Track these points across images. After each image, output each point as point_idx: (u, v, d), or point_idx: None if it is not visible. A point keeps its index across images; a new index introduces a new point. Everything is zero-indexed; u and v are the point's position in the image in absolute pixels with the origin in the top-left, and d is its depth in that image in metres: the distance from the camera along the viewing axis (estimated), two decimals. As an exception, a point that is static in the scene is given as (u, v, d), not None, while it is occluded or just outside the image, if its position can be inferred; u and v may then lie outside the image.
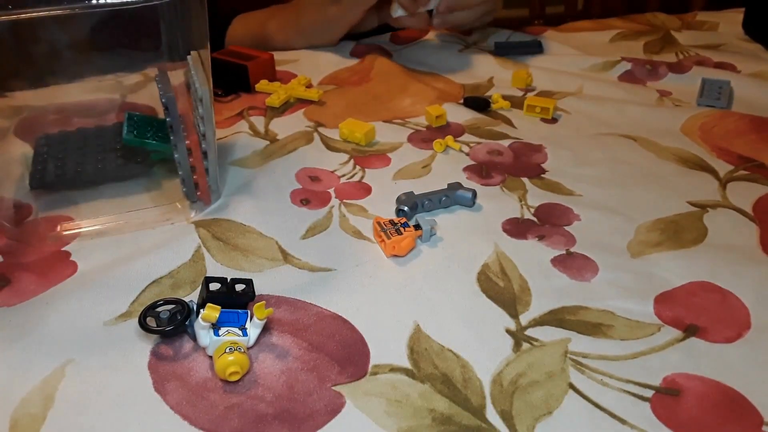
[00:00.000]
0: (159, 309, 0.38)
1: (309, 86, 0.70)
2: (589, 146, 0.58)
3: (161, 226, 0.47)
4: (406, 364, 0.36)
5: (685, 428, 0.32)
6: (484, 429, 0.32)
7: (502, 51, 0.79)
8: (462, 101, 0.66)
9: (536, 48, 0.79)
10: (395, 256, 0.44)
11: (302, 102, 0.67)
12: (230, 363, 0.34)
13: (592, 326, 0.38)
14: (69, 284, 0.42)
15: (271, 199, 0.50)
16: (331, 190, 0.52)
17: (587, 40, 0.83)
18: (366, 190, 0.52)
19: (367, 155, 0.57)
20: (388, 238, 0.44)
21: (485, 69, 0.75)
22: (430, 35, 0.84)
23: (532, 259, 0.44)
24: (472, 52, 0.79)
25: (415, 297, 0.41)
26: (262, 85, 0.68)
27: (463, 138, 0.60)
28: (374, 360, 0.36)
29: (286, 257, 0.44)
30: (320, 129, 0.61)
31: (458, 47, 0.80)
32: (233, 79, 0.69)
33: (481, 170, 0.54)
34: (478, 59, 0.77)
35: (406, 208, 0.47)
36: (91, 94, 0.57)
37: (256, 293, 0.40)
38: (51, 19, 0.39)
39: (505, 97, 0.66)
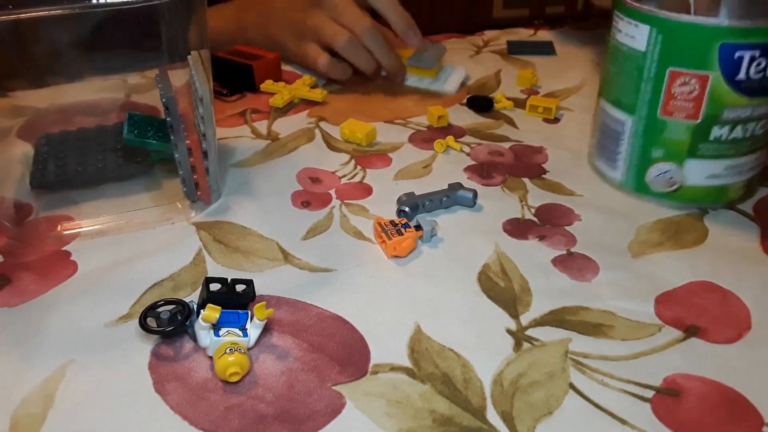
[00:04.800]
0: (159, 309, 0.38)
1: (314, 87, 0.70)
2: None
3: (162, 225, 0.47)
4: (407, 363, 0.36)
5: (686, 429, 0.32)
6: (484, 430, 0.32)
7: (514, 49, 0.80)
8: (465, 101, 0.67)
9: (548, 49, 0.80)
10: (396, 256, 0.44)
11: (306, 102, 0.67)
12: (230, 363, 0.34)
13: (593, 326, 0.38)
14: (69, 285, 0.42)
15: (272, 200, 0.50)
16: (332, 191, 0.52)
17: (595, 39, 0.84)
18: (367, 190, 0.52)
19: (368, 155, 0.57)
20: (389, 238, 0.44)
21: (491, 69, 0.75)
22: (444, 40, 0.85)
23: (532, 259, 0.44)
24: (482, 54, 0.79)
25: (416, 297, 0.41)
26: (267, 85, 0.68)
27: (464, 138, 0.60)
28: (374, 360, 0.36)
29: (287, 257, 0.44)
30: (322, 124, 0.62)
31: (470, 52, 0.81)
32: (238, 79, 0.69)
33: (482, 170, 0.54)
34: (485, 60, 0.78)
35: (407, 209, 0.47)
36: (93, 95, 0.57)
37: (257, 294, 0.40)
38: (51, 19, 0.39)
39: (508, 98, 0.67)
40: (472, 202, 0.49)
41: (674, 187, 0.47)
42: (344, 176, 0.54)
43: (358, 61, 0.67)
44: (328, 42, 0.67)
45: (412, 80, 0.70)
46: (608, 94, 0.50)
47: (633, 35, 0.45)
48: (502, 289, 0.41)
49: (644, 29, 0.45)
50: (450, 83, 0.70)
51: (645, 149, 0.48)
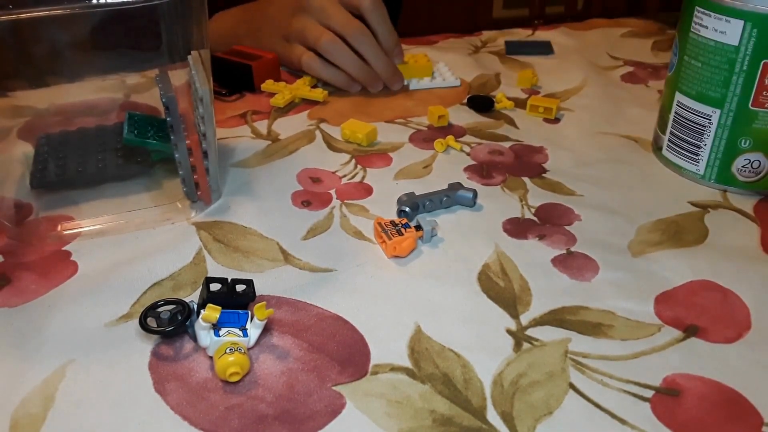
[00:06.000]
0: (160, 309, 0.38)
1: (314, 87, 0.70)
2: (590, 146, 0.58)
3: (162, 225, 0.47)
4: (407, 363, 0.36)
5: (685, 428, 0.32)
6: (484, 430, 0.32)
7: (512, 49, 0.80)
8: (466, 100, 0.67)
9: (546, 49, 0.80)
10: (396, 256, 0.44)
11: (307, 102, 0.67)
12: (230, 363, 0.34)
13: (593, 326, 0.38)
14: (70, 285, 0.42)
15: (272, 200, 0.50)
16: (332, 191, 0.52)
17: (595, 39, 0.84)
18: (367, 190, 0.52)
19: (369, 154, 0.57)
20: (389, 239, 0.44)
21: (491, 69, 0.75)
22: (442, 40, 0.85)
23: (532, 258, 0.44)
24: (481, 54, 0.79)
25: (416, 297, 0.41)
26: (268, 85, 0.68)
27: (464, 138, 0.60)
28: (375, 360, 0.36)
29: (287, 258, 0.44)
30: (323, 125, 0.62)
31: (468, 50, 0.81)
32: (237, 79, 0.69)
33: (482, 170, 0.54)
34: (484, 60, 0.78)
35: (407, 209, 0.47)
36: (93, 95, 0.57)
37: (257, 294, 0.40)
38: (51, 19, 0.39)
39: (509, 98, 0.67)
40: (472, 202, 0.49)
41: (760, 176, 0.49)
42: (344, 176, 0.54)
43: (343, 63, 0.67)
44: (311, 43, 0.67)
45: (413, 84, 0.70)
46: (689, 88, 0.51)
47: (724, 30, 0.47)
48: (502, 289, 0.41)
49: (737, 24, 0.46)
50: (450, 78, 0.71)
51: (732, 140, 0.49)
